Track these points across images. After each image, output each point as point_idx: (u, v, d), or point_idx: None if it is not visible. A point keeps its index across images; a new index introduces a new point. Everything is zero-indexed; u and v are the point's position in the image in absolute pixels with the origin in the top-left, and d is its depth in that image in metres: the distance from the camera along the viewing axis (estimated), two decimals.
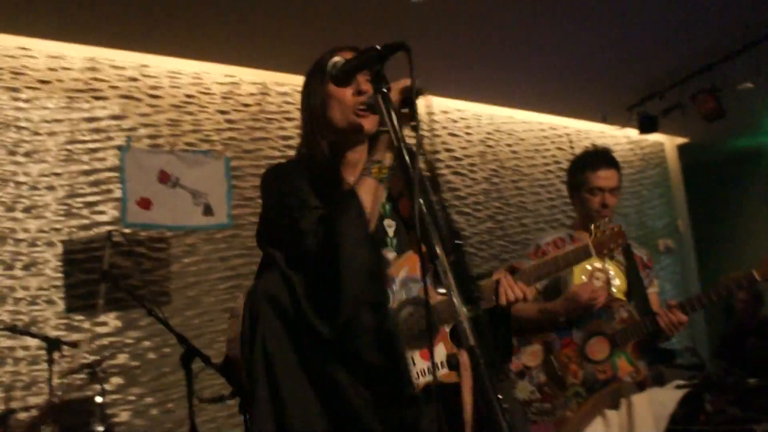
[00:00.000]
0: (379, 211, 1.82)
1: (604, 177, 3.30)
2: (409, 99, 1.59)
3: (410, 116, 1.60)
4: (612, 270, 3.27)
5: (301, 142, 2.03)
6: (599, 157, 3.39)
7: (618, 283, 3.28)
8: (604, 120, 7.39)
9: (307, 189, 1.83)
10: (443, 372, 1.81)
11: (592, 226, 2.69)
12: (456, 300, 1.19)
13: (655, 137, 8.23)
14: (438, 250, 1.24)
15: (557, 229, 3.45)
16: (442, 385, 1.80)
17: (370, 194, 1.74)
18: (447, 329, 1.87)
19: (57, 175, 4.67)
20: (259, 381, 1.69)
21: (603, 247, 2.62)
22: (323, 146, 1.91)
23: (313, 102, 1.93)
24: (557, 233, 3.38)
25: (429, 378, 1.80)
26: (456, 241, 1.33)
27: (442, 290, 1.53)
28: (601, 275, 3.25)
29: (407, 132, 1.55)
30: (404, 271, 1.87)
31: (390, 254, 1.91)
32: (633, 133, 7.40)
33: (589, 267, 3.22)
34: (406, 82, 1.62)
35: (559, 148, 7.63)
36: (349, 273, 1.63)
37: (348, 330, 1.65)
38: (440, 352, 1.84)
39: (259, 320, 1.72)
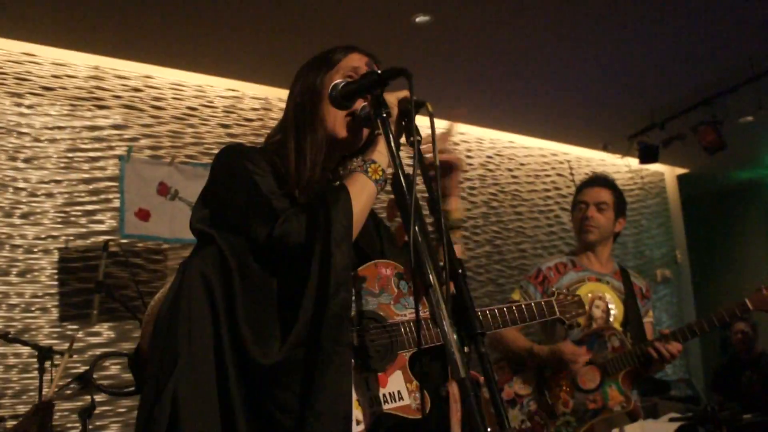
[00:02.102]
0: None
1: (589, 192, 3.35)
2: (407, 111, 1.51)
3: (408, 130, 1.51)
4: (610, 297, 3.26)
5: (275, 129, 1.82)
6: (592, 177, 3.49)
7: (615, 311, 3.27)
8: (605, 148, 7.41)
9: (271, 175, 1.63)
10: (401, 404, 1.66)
11: (554, 289, 2.56)
12: (448, 330, 1.17)
13: (655, 167, 8.24)
14: (432, 278, 1.22)
15: (559, 254, 3.46)
16: (392, 417, 1.65)
17: (363, 193, 1.57)
18: (406, 356, 1.73)
19: (56, 182, 4.67)
20: (162, 372, 1.49)
21: (565, 311, 2.47)
22: (314, 138, 1.70)
23: (309, 89, 1.74)
24: (559, 258, 3.38)
25: (384, 407, 1.65)
26: (458, 271, 1.29)
27: (405, 312, 1.47)
28: (601, 303, 3.25)
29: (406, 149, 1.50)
30: (361, 282, 1.71)
31: None
32: (633, 162, 7.41)
33: (590, 295, 3.21)
34: (405, 93, 1.53)
35: (560, 175, 7.63)
36: (323, 275, 1.46)
37: (286, 369, 1.45)
38: (397, 380, 1.69)
39: (185, 301, 1.53)
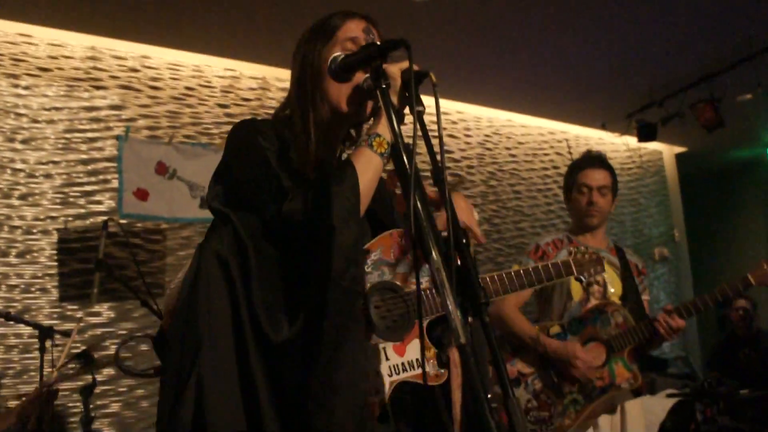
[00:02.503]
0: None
1: (593, 175, 3.34)
2: (408, 83, 1.49)
3: (410, 100, 1.48)
4: (608, 275, 3.27)
5: (284, 104, 1.82)
6: (590, 158, 3.46)
7: (613, 288, 3.28)
8: (603, 127, 7.40)
9: (284, 151, 1.63)
10: (419, 371, 1.69)
11: (573, 248, 2.65)
12: (449, 299, 1.17)
13: (653, 145, 8.24)
14: (432, 248, 1.23)
15: (555, 231, 3.47)
16: (410, 384, 1.69)
17: (370, 168, 1.56)
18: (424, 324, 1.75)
19: (54, 163, 4.66)
20: (186, 354, 1.51)
21: (583, 270, 2.53)
22: (322, 109, 1.71)
23: (316, 63, 1.72)
24: (556, 234, 3.40)
25: (402, 376, 1.69)
26: (463, 241, 1.29)
27: (420, 281, 1.48)
28: (598, 278, 3.25)
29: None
30: (377, 252, 1.74)
31: None
32: (632, 140, 7.40)
33: None
34: (407, 63, 1.50)
35: (558, 153, 7.63)
36: (332, 251, 1.45)
37: (305, 340, 1.45)
38: (414, 348, 1.72)
39: (204, 283, 1.55)
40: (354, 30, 1.74)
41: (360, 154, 1.59)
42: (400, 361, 1.69)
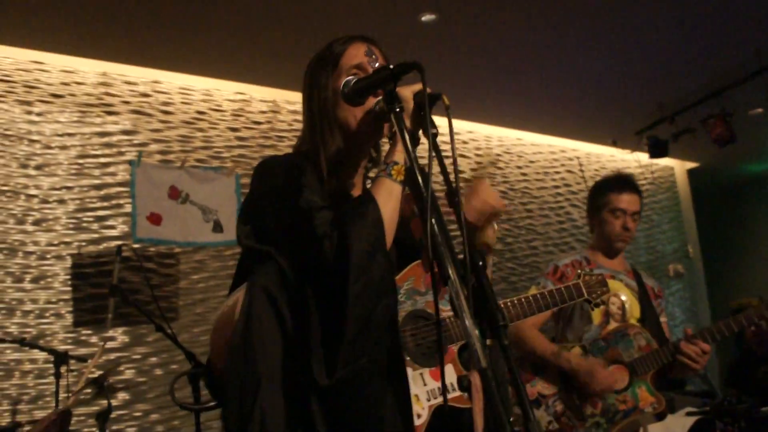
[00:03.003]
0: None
1: (628, 200, 3.30)
2: (422, 104, 1.48)
3: (424, 123, 1.46)
4: (627, 297, 3.24)
5: (302, 137, 1.81)
6: (625, 180, 3.41)
7: (632, 311, 3.25)
8: (615, 144, 7.39)
9: (314, 186, 1.63)
10: (454, 395, 1.74)
11: (579, 271, 2.62)
12: (468, 321, 1.17)
13: (665, 161, 8.22)
14: (450, 270, 1.22)
15: (572, 251, 3.43)
16: (452, 408, 1.73)
17: (391, 199, 1.56)
18: (455, 348, 1.82)
19: (68, 188, 4.69)
20: (246, 391, 1.52)
21: (591, 292, 2.55)
22: (336, 141, 1.71)
23: (324, 95, 1.73)
24: (573, 255, 3.36)
25: (440, 400, 1.74)
26: (479, 263, 1.28)
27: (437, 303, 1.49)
28: (616, 300, 3.22)
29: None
30: (409, 282, 1.80)
31: None
32: (643, 157, 7.39)
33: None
34: (420, 86, 1.52)
35: (569, 171, 7.62)
36: (357, 289, 1.45)
37: (346, 387, 1.47)
38: (449, 373, 1.78)
39: (257, 320, 1.55)
40: (357, 56, 1.75)
41: (380, 185, 1.58)
42: (437, 386, 1.76)
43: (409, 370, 1.73)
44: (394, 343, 1.58)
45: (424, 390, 1.74)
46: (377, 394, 1.50)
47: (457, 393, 1.75)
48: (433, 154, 1.35)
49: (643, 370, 3.02)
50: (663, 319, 3.33)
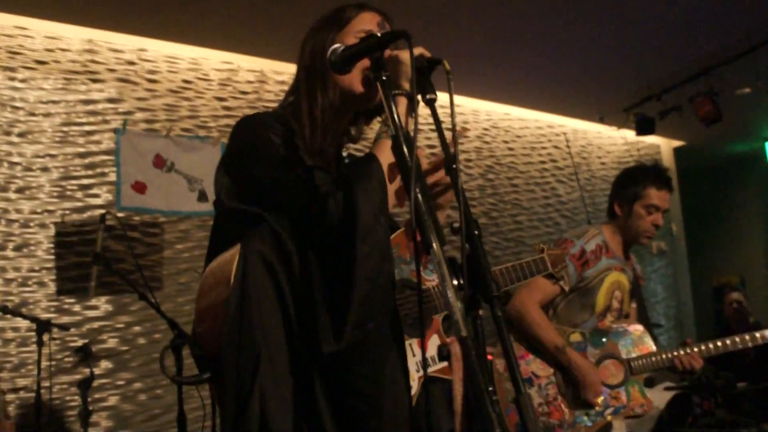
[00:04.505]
0: None
1: (666, 198, 3.27)
2: (419, 69, 1.48)
3: (411, 89, 1.45)
4: (625, 289, 3.25)
5: (289, 90, 1.79)
6: (666, 178, 3.32)
7: (626, 302, 3.27)
8: (602, 120, 7.39)
9: (302, 146, 1.60)
10: (441, 365, 1.72)
11: (544, 245, 2.54)
12: (449, 291, 1.16)
13: (651, 139, 8.24)
14: (433, 240, 1.21)
15: (591, 227, 3.28)
16: (436, 379, 1.72)
17: (392, 159, 1.50)
18: (439, 319, 1.79)
19: (51, 156, 4.64)
20: (244, 366, 1.47)
21: (555, 265, 2.50)
22: (326, 97, 1.67)
23: (321, 50, 1.68)
24: (596, 238, 3.22)
25: (429, 371, 1.73)
26: (474, 232, 1.27)
27: (433, 277, 1.48)
28: (619, 294, 3.23)
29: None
30: (395, 249, 1.73)
31: None
32: (630, 134, 7.40)
33: (612, 285, 3.19)
34: (420, 50, 1.52)
35: (556, 147, 7.63)
36: (366, 250, 1.42)
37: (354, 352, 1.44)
38: (435, 343, 1.76)
39: (254, 291, 1.49)
40: (369, 22, 1.74)
41: (382, 146, 1.56)
42: (425, 357, 1.73)
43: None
44: (394, 310, 1.56)
45: (413, 361, 1.70)
46: (381, 361, 1.48)
47: (445, 363, 1.72)
48: (427, 122, 1.35)
49: (638, 370, 3.06)
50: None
